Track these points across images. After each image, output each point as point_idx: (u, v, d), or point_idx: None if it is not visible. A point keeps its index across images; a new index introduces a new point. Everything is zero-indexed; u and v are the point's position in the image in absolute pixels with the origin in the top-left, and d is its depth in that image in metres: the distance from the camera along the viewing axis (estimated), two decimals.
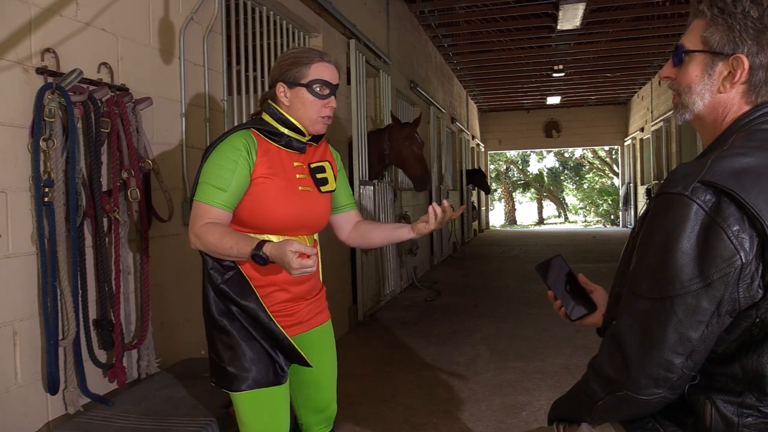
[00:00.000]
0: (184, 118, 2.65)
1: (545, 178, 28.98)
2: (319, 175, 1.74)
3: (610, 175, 25.69)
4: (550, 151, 27.11)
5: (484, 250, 11.27)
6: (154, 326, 2.34)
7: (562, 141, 16.72)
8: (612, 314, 1.14)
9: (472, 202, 13.34)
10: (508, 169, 28.78)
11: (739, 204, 0.93)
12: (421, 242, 7.22)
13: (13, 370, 1.82)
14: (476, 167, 14.20)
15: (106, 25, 2.20)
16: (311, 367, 1.71)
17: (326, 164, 1.77)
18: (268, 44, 3.63)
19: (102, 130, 2.08)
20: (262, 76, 3.56)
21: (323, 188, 1.74)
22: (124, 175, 2.16)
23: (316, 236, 1.88)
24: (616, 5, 7.38)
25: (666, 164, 11.18)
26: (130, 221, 2.22)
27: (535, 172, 29.23)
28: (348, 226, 1.89)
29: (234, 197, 1.59)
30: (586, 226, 24.50)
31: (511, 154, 26.30)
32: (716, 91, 1.10)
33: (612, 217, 24.61)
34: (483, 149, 16.71)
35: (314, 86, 1.64)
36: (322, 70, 1.65)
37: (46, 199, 1.85)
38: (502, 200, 28.92)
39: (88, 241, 2.07)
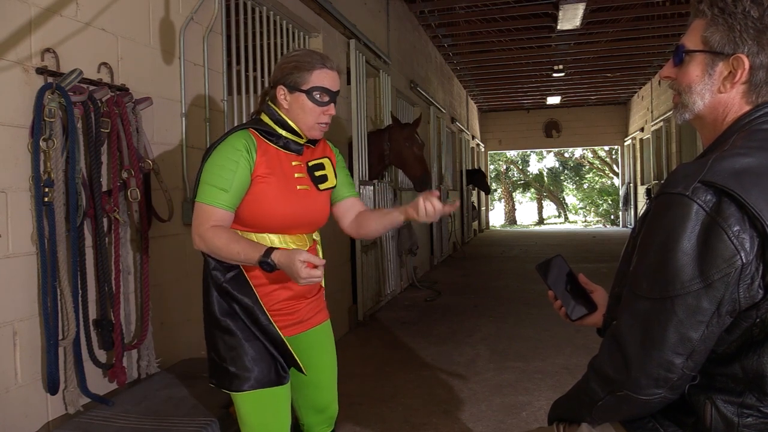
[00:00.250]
0: (184, 118, 2.65)
1: (545, 178, 28.98)
2: (317, 173, 1.74)
3: (610, 175, 25.69)
4: (550, 151, 27.12)
5: (484, 250, 11.27)
6: (154, 326, 2.34)
7: (562, 141, 16.71)
8: (612, 314, 1.14)
9: (472, 202, 13.33)
10: (508, 169, 28.78)
11: (740, 204, 0.93)
12: (421, 242, 7.22)
13: (13, 370, 1.82)
14: (476, 167, 14.20)
15: (106, 25, 2.20)
16: (305, 374, 1.72)
17: (325, 161, 1.77)
18: (268, 44, 3.63)
19: (102, 130, 2.08)
20: (262, 76, 3.56)
21: (322, 186, 1.74)
22: (124, 175, 2.16)
23: (316, 235, 1.88)
24: (616, 5, 7.38)
25: (666, 164, 11.18)
26: (130, 221, 2.22)
27: (535, 172, 29.24)
28: (349, 215, 1.86)
29: (236, 197, 1.60)
30: (586, 226, 24.50)
31: (511, 154, 26.30)
32: (716, 91, 1.10)
33: (612, 217, 24.62)
34: (483, 149, 16.71)
35: (314, 93, 1.64)
36: (323, 77, 1.65)
37: (46, 199, 1.85)
38: (502, 200, 28.92)
39: (88, 241, 2.07)
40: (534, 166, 29.50)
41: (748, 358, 0.99)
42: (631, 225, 15.12)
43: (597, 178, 27.78)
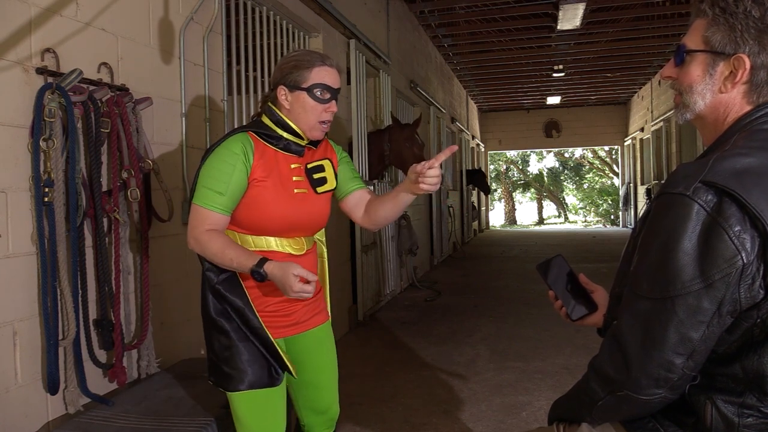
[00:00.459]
0: (184, 118, 2.65)
1: (545, 178, 28.99)
2: (316, 176, 1.73)
3: (610, 175, 25.69)
4: (550, 151, 27.11)
5: (484, 250, 11.27)
6: (154, 326, 2.34)
7: (562, 141, 16.71)
8: (613, 314, 1.14)
9: (472, 202, 13.33)
10: (508, 169, 28.78)
11: (741, 204, 0.93)
12: (421, 242, 7.22)
13: (13, 370, 1.82)
14: (476, 167, 14.20)
15: (106, 25, 2.20)
16: (295, 378, 1.72)
17: (326, 162, 1.76)
18: (268, 44, 3.63)
19: (102, 130, 2.08)
20: (262, 76, 3.56)
21: (320, 189, 1.73)
22: (124, 175, 2.16)
23: (319, 236, 1.88)
24: (616, 5, 7.38)
25: (666, 164, 11.18)
26: (130, 221, 2.22)
27: (535, 172, 29.24)
28: (359, 208, 1.81)
29: (232, 201, 1.60)
30: (586, 226, 24.51)
31: (511, 154, 26.31)
32: (717, 91, 1.10)
33: (612, 217, 24.62)
34: (483, 149, 16.71)
35: (315, 90, 1.63)
36: (323, 75, 1.64)
37: (46, 199, 1.85)
38: (502, 200, 28.93)
39: (88, 241, 2.07)
40: (534, 166, 29.54)
41: (749, 358, 0.98)
42: (631, 225, 15.13)
43: (597, 178, 27.79)
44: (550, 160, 29.50)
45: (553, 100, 14.55)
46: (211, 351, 1.66)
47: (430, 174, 1.57)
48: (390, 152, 5.19)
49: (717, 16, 1.06)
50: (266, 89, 3.59)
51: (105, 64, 2.18)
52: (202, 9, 2.75)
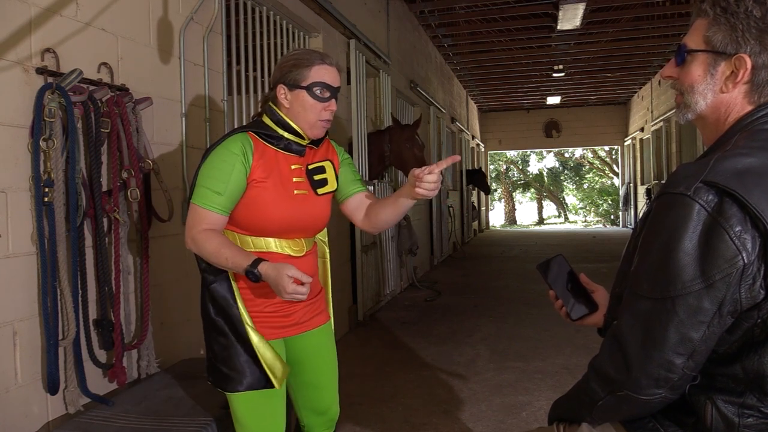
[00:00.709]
0: (184, 118, 2.65)
1: (545, 178, 28.99)
2: (317, 177, 1.72)
3: (610, 175, 25.70)
4: (550, 151, 27.12)
5: (484, 250, 11.26)
6: (154, 326, 2.34)
7: (562, 141, 16.71)
8: (613, 314, 1.14)
9: (472, 202, 13.33)
10: (508, 169, 28.79)
11: (742, 204, 0.92)
12: (421, 242, 7.22)
13: (13, 370, 1.82)
14: (476, 167, 14.20)
15: (106, 25, 2.20)
16: (275, 388, 1.65)
17: (327, 164, 1.75)
18: (268, 44, 3.63)
19: (102, 130, 2.08)
20: (262, 76, 3.56)
21: (320, 190, 1.72)
22: (124, 175, 2.16)
23: (321, 236, 1.87)
24: (616, 5, 7.38)
25: (666, 164, 11.18)
26: (130, 221, 2.22)
27: (535, 172, 29.24)
28: (360, 211, 1.81)
29: (231, 201, 1.59)
30: (586, 226, 24.51)
31: (511, 154, 26.31)
32: (719, 91, 1.10)
33: (612, 217, 24.62)
34: (483, 149, 16.71)
35: (314, 89, 1.63)
36: (322, 73, 1.64)
37: (46, 199, 1.85)
38: (502, 200, 28.93)
39: (88, 241, 2.07)
40: (534, 166, 29.54)
41: (749, 358, 0.98)
42: (631, 225, 15.13)
43: (597, 178, 27.79)
44: (550, 160, 29.54)
45: (553, 100, 14.55)
46: (210, 351, 1.66)
47: (428, 179, 1.56)
48: (390, 153, 5.18)
49: (718, 15, 1.06)
50: (266, 89, 3.59)
51: (105, 64, 2.18)
52: (202, 9, 2.75)
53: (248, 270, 1.49)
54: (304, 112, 1.64)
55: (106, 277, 2.10)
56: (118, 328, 2.13)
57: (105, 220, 2.13)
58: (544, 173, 29.12)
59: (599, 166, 26.89)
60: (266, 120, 1.68)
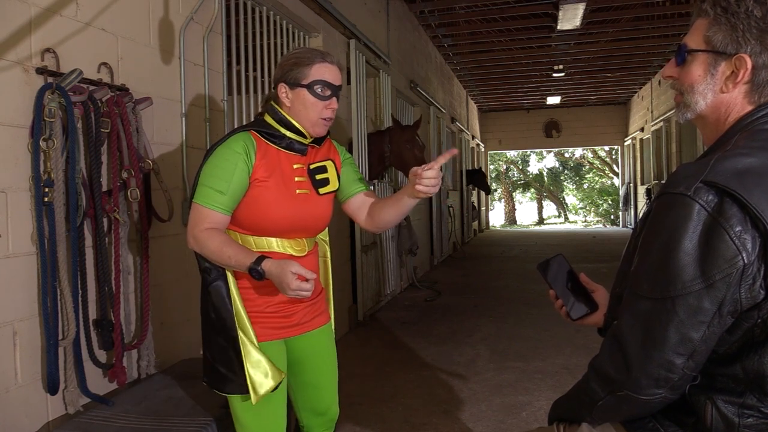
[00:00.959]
0: (184, 118, 2.65)
1: (545, 178, 28.99)
2: (318, 176, 1.71)
3: (610, 175, 25.70)
4: (550, 151, 27.12)
5: (484, 250, 11.26)
6: (154, 326, 2.34)
7: (562, 141, 16.71)
8: (613, 314, 1.14)
9: (472, 202, 13.33)
10: (508, 169, 28.79)
11: (742, 204, 0.92)
12: (421, 242, 7.22)
13: (13, 370, 1.82)
14: (476, 167, 14.20)
15: (106, 25, 2.20)
16: (252, 403, 1.60)
17: (328, 163, 1.75)
18: (268, 44, 3.63)
19: (102, 130, 2.08)
20: (262, 76, 3.56)
21: (322, 190, 1.72)
22: (124, 175, 2.16)
23: (322, 236, 1.87)
24: (616, 5, 7.38)
25: (666, 164, 11.18)
26: (130, 221, 2.22)
27: (535, 172, 29.24)
28: (362, 211, 1.81)
29: (233, 200, 1.59)
30: (586, 226, 24.51)
31: (511, 154, 26.31)
32: (719, 91, 1.10)
33: (612, 217, 24.62)
34: (483, 149, 16.71)
35: (315, 87, 1.62)
36: (323, 71, 1.64)
37: (46, 199, 1.85)
38: (502, 200, 28.93)
39: (88, 241, 2.07)
40: (534, 166, 29.54)
41: (749, 358, 0.98)
42: (631, 225, 15.13)
43: (597, 178, 27.79)
44: (550, 160, 29.54)
45: (553, 100, 14.55)
46: (209, 351, 1.66)
47: (427, 176, 1.55)
48: (390, 153, 5.18)
49: (719, 15, 1.06)
50: (266, 89, 3.60)
51: (105, 64, 2.18)
52: (202, 9, 2.75)
53: (252, 267, 1.49)
54: (306, 111, 1.64)
55: (106, 277, 2.10)
56: (118, 328, 2.13)
57: (105, 220, 2.12)
58: (544, 173, 29.12)
59: (599, 166, 26.89)
60: (268, 119, 1.68)
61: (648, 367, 0.99)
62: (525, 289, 6.54)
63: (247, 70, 3.45)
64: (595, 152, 25.67)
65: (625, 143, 15.91)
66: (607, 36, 8.80)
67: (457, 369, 3.72)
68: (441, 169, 1.60)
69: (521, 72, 11.32)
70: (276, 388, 1.62)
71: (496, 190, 27.58)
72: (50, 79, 1.90)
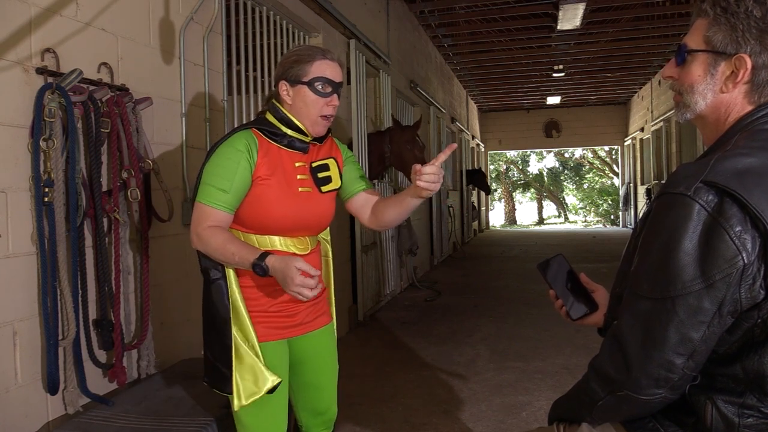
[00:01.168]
0: (184, 118, 2.65)
1: (545, 178, 28.99)
2: (321, 175, 1.71)
3: (610, 175, 25.70)
4: (550, 151, 27.12)
5: (484, 250, 11.26)
6: (154, 326, 2.34)
7: (562, 141, 16.71)
8: (613, 314, 1.14)
9: (472, 202, 13.33)
10: (508, 169, 28.78)
11: (742, 204, 0.92)
12: (421, 242, 7.22)
13: (13, 370, 1.82)
14: (476, 167, 14.20)
15: (106, 25, 2.20)
16: (235, 409, 1.61)
17: (330, 161, 1.74)
18: (268, 44, 3.63)
19: (102, 130, 2.08)
20: (262, 76, 3.56)
21: (324, 188, 1.71)
22: (124, 175, 2.16)
23: (324, 235, 1.87)
24: (616, 5, 7.38)
25: (666, 164, 11.18)
26: (130, 221, 2.22)
27: (535, 172, 29.24)
28: (366, 209, 1.80)
29: (236, 198, 1.59)
30: (586, 226, 24.51)
31: (511, 154, 26.30)
32: (719, 91, 1.10)
33: (612, 217, 24.62)
34: (483, 149, 16.71)
35: (316, 84, 1.62)
36: (324, 68, 1.64)
37: (46, 199, 1.85)
38: (502, 200, 28.93)
39: (88, 241, 2.07)
40: (534, 166, 29.54)
41: (749, 358, 0.98)
42: (631, 225, 15.13)
43: (597, 178, 27.79)
44: (550, 160, 29.54)
45: (553, 100, 14.55)
46: (210, 351, 1.66)
47: (427, 171, 1.55)
48: (390, 154, 5.18)
49: (718, 15, 1.06)
50: (266, 89, 3.60)
51: (105, 64, 2.18)
52: (202, 9, 2.75)
53: (255, 263, 1.48)
54: (306, 108, 1.64)
55: (106, 277, 2.10)
56: (118, 328, 2.13)
57: (105, 220, 2.12)
58: (544, 173, 29.12)
59: (599, 166, 26.89)
60: (270, 117, 1.68)
61: (648, 367, 0.99)
62: (525, 289, 6.54)
63: (247, 70, 3.45)
64: (595, 152, 25.67)
65: (625, 143, 15.91)
66: (607, 36, 8.80)
67: (457, 369, 3.72)
68: (441, 167, 1.59)
69: (521, 72, 11.32)
70: (273, 390, 1.60)
71: (496, 190, 27.58)
72: (50, 79, 1.90)
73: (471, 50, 9.75)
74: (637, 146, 14.44)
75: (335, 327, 1.91)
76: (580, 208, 28.80)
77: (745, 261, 0.93)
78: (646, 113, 12.99)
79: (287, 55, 1.69)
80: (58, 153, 1.87)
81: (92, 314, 2.08)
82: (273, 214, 1.62)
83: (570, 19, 7.53)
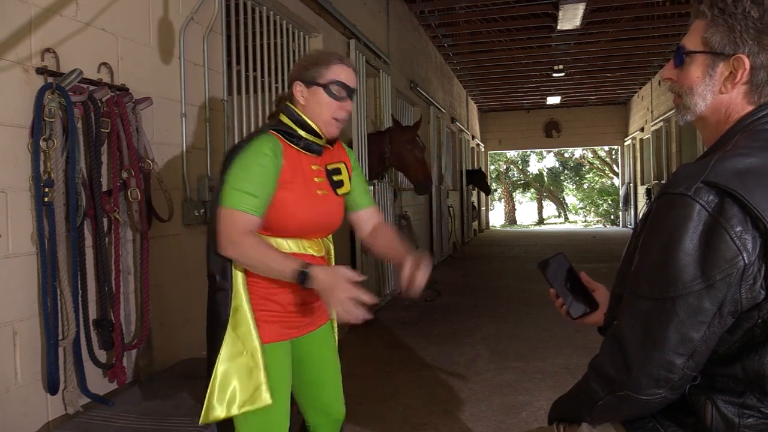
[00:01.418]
0: (184, 118, 2.65)
1: (545, 178, 28.98)
2: (335, 177, 1.73)
3: (610, 175, 25.70)
4: (550, 151, 27.11)
5: (484, 250, 11.26)
6: (154, 326, 2.34)
7: (562, 141, 16.72)
8: (613, 314, 1.14)
9: (472, 202, 13.33)
10: (508, 169, 28.78)
11: (742, 205, 0.92)
12: (421, 242, 7.22)
13: (13, 370, 1.82)
14: (476, 167, 14.20)
15: (106, 25, 2.20)
16: (199, 424, 1.62)
17: (342, 165, 1.76)
18: (268, 44, 3.63)
19: (102, 130, 2.08)
20: (262, 76, 3.56)
21: (339, 191, 1.73)
22: (124, 175, 2.16)
23: (330, 237, 1.88)
24: (616, 5, 7.39)
25: (666, 164, 11.18)
26: (130, 221, 2.22)
27: (535, 172, 29.24)
28: (367, 225, 1.84)
29: (265, 203, 1.56)
30: (586, 226, 24.50)
31: (511, 154, 26.30)
32: (718, 92, 1.09)
33: (612, 217, 24.62)
34: (483, 149, 16.71)
35: (331, 87, 1.63)
36: (340, 72, 1.64)
37: (46, 199, 1.85)
38: (502, 200, 28.92)
39: (88, 241, 2.07)
40: (534, 166, 29.53)
41: (749, 358, 0.98)
42: (631, 225, 15.13)
43: (597, 178, 27.78)
44: (550, 160, 29.53)
45: (553, 100, 14.55)
46: (214, 352, 1.65)
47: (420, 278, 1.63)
48: (390, 154, 5.17)
49: (716, 17, 1.06)
50: (266, 89, 3.60)
51: (105, 64, 2.18)
52: (202, 9, 2.75)
53: (300, 271, 1.45)
54: (320, 109, 1.64)
55: (106, 277, 2.10)
56: (118, 328, 2.13)
57: (105, 220, 2.13)
58: (544, 173, 29.11)
59: (599, 166, 26.89)
60: (285, 119, 1.67)
61: (648, 367, 0.99)
62: (525, 289, 6.54)
63: (247, 70, 3.45)
64: (595, 152, 25.67)
65: (625, 143, 15.91)
66: (607, 36, 8.80)
67: (457, 369, 3.72)
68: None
69: (521, 72, 11.32)
70: (259, 405, 1.58)
71: (496, 190, 27.58)
72: (50, 79, 1.90)
73: (471, 50, 9.76)
74: (637, 146, 14.44)
75: (335, 325, 1.91)
76: (580, 208, 28.80)
77: (746, 261, 0.93)
78: (646, 113, 12.99)
79: (304, 57, 1.71)
80: (58, 153, 1.87)
81: (92, 314, 2.08)
82: (297, 216, 1.62)
83: (570, 19, 7.53)
